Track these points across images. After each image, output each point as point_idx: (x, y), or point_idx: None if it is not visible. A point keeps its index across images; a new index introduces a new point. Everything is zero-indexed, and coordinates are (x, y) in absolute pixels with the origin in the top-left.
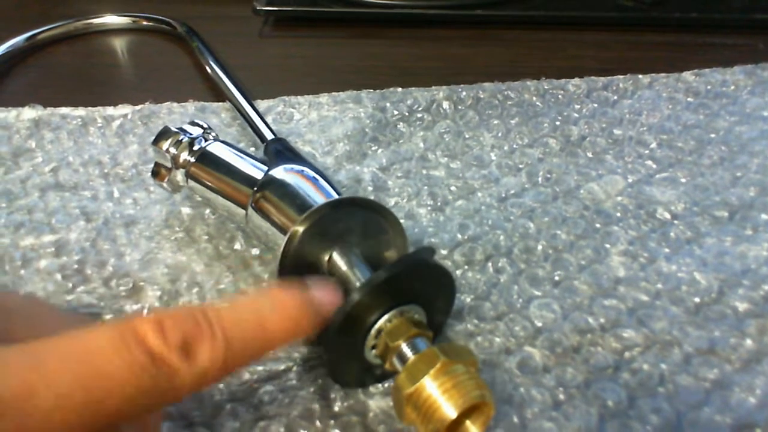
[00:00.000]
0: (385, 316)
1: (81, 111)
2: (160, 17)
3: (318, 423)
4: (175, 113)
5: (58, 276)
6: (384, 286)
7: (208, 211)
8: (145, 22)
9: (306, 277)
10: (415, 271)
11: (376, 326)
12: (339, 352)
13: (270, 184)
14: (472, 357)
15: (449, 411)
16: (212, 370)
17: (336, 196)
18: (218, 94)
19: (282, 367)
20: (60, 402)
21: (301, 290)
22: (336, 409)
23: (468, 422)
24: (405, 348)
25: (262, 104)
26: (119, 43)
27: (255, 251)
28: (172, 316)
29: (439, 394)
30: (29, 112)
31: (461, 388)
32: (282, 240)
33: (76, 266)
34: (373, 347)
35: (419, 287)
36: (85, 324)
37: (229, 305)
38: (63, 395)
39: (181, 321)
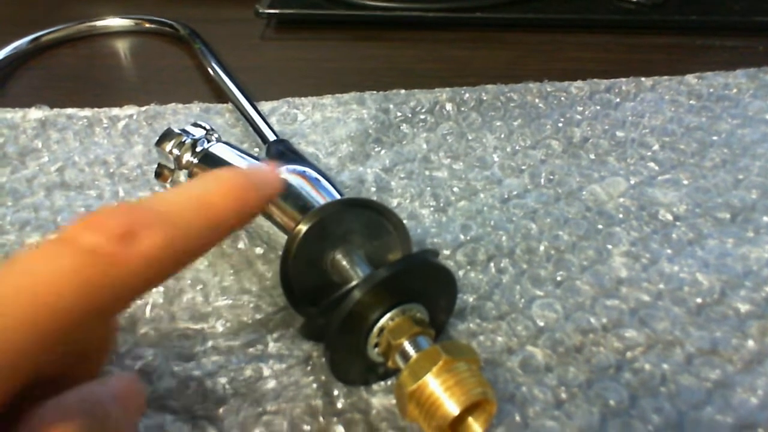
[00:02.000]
0: (387, 315)
1: (87, 111)
2: (163, 19)
3: (321, 419)
4: (180, 114)
5: None
6: (385, 284)
7: None
8: (147, 25)
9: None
10: (417, 270)
11: (379, 324)
12: (341, 350)
13: None
14: (474, 355)
15: (452, 408)
16: (159, 253)
17: (338, 197)
18: (221, 95)
19: (285, 364)
20: (9, 318)
21: (241, 169)
22: (339, 405)
23: (470, 419)
24: (407, 346)
25: (266, 105)
26: (122, 46)
27: (258, 250)
28: (105, 211)
29: (441, 392)
30: (36, 113)
31: (463, 385)
32: (284, 240)
33: None
34: (376, 345)
35: (421, 286)
36: None
37: (169, 191)
38: (9, 307)
39: (115, 213)
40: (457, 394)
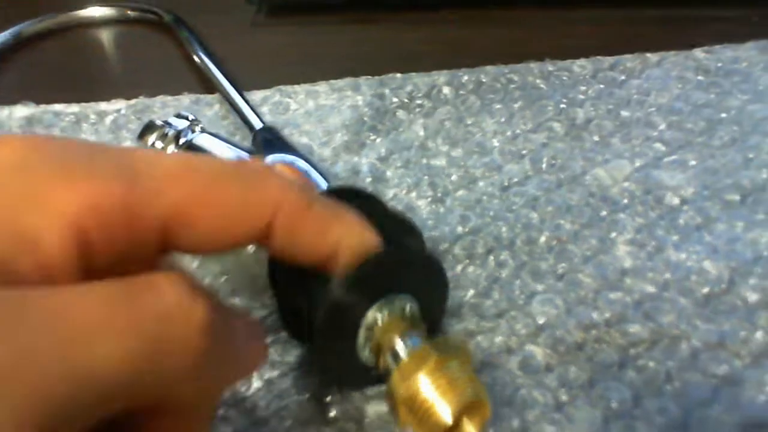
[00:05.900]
0: (374, 307)
1: (74, 107)
2: (146, 7)
3: (314, 428)
4: (170, 107)
5: None
6: (369, 271)
7: None
8: (130, 12)
9: None
10: (400, 258)
11: (367, 319)
12: (330, 348)
13: None
14: (465, 351)
15: (445, 415)
16: None
17: (323, 186)
18: (209, 85)
19: (277, 370)
20: None
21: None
22: (332, 414)
23: (465, 419)
24: (398, 345)
25: (257, 94)
26: (106, 36)
27: (250, 248)
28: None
29: (434, 397)
30: (22, 110)
31: (456, 387)
32: None
33: None
34: (367, 341)
35: (405, 275)
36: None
37: None
38: None
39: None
40: (449, 397)
